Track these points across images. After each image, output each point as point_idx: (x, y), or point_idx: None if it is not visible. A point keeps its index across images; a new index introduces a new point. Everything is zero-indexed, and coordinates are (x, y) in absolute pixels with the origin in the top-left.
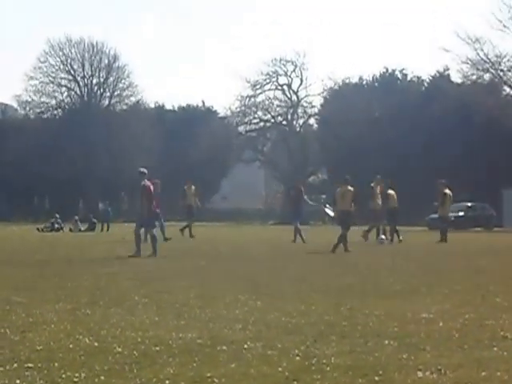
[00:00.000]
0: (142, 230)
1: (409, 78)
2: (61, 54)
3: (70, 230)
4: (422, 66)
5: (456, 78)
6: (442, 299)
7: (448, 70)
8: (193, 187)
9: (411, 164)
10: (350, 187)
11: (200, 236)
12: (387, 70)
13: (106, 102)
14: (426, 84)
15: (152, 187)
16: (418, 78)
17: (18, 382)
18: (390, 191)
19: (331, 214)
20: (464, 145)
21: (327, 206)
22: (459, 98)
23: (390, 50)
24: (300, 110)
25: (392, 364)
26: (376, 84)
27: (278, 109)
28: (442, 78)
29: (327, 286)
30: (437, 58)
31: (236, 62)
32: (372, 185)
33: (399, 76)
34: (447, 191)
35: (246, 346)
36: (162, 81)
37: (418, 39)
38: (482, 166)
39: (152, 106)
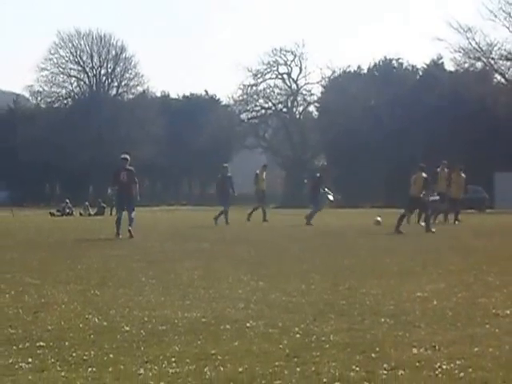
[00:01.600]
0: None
1: (404, 67)
2: (70, 45)
3: (80, 214)
4: (416, 55)
5: (449, 66)
6: (437, 279)
7: (442, 58)
8: (264, 172)
9: (407, 149)
10: (423, 174)
11: (203, 220)
12: (385, 58)
13: (114, 92)
14: (420, 72)
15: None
16: (413, 66)
17: (30, 360)
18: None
19: (331, 198)
20: (457, 130)
21: (326, 190)
22: (452, 85)
23: (386, 40)
24: (299, 98)
25: (388, 341)
26: (373, 73)
27: (278, 97)
28: (437, 66)
29: (326, 267)
30: (431, 47)
31: (238, 52)
32: (438, 169)
33: (395, 65)
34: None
35: (248, 325)
36: (167, 71)
37: (412, 29)
38: (475, 150)
39: (158, 95)
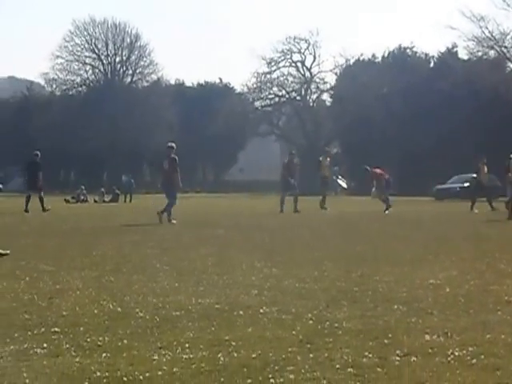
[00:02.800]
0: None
1: (418, 55)
2: (85, 33)
3: (95, 201)
4: (430, 44)
5: (463, 54)
6: (449, 266)
7: (456, 47)
8: (328, 159)
9: (419, 138)
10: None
11: (217, 207)
12: (399, 47)
13: (129, 80)
14: (434, 60)
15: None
16: (426, 54)
17: (45, 345)
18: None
19: (344, 185)
20: (470, 118)
21: (339, 177)
22: (466, 73)
23: (399, 29)
24: (313, 86)
25: (401, 328)
26: (386, 61)
27: (292, 85)
28: (451, 54)
29: (339, 254)
30: (444, 35)
31: (252, 40)
32: (479, 165)
33: (409, 53)
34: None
35: (261, 311)
36: (181, 59)
37: (426, 17)
38: (488, 138)
39: (172, 82)
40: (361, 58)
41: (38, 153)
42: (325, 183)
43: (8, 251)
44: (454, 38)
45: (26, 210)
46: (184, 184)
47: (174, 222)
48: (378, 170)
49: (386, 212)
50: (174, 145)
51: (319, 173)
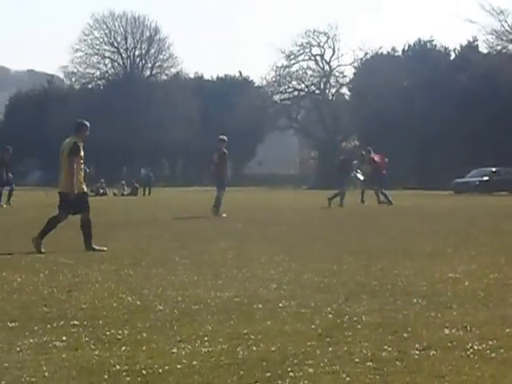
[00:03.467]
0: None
1: (437, 49)
2: (104, 27)
3: (114, 194)
4: (449, 37)
5: (483, 48)
6: (469, 260)
7: (477, 40)
8: (371, 153)
9: (438, 131)
10: None
11: (236, 201)
12: (419, 40)
13: (148, 73)
14: (455, 54)
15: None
16: (446, 48)
17: (64, 338)
18: None
19: (362, 178)
20: (489, 112)
21: (358, 171)
22: (485, 67)
23: (419, 22)
24: (332, 80)
25: (420, 321)
26: (406, 54)
27: (311, 78)
28: (471, 48)
29: (358, 248)
30: (464, 29)
31: (271, 33)
32: None
33: (428, 47)
34: None
35: (280, 305)
36: (201, 52)
37: (445, 11)
38: (507, 131)
39: (191, 76)
40: (380, 52)
41: (9, 148)
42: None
43: (105, 248)
44: (474, 32)
45: None
46: (203, 178)
47: (224, 215)
48: (376, 158)
49: (365, 203)
50: (225, 138)
51: (363, 166)
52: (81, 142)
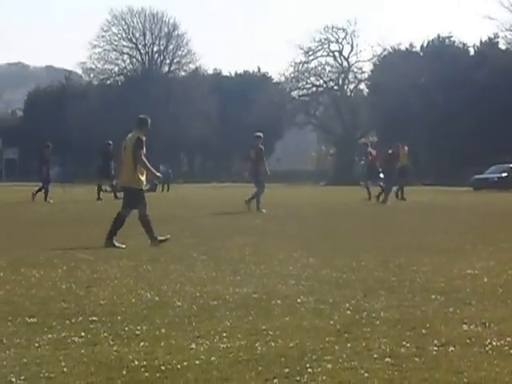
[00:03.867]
0: None
1: (456, 45)
2: (123, 23)
3: None
4: (468, 34)
5: (502, 44)
6: (487, 256)
7: (498, 37)
8: (406, 148)
9: (457, 128)
10: None
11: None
12: (438, 36)
13: (166, 69)
14: (475, 49)
15: None
16: (464, 44)
17: (83, 334)
18: None
19: (381, 175)
20: (508, 109)
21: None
22: (505, 63)
23: (438, 18)
24: (351, 76)
25: (438, 318)
26: (425, 50)
27: (329, 74)
28: (491, 45)
29: (376, 244)
30: (483, 25)
31: (290, 29)
32: None
33: (447, 43)
34: None
35: (299, 301)
36: (219, 48)
37: (464, 7)
38: None
39: (210, 72)
40: (398, 48)
41: (111, 142)
42: (402, 173)
43: (168, 236)
44: (493, 29)
45: (99, 198)
46: (221, 174)
47: (264, 210)
48: (373, 152)
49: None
50: (261, 134)
51: (395, 162)
52: (143, 137)
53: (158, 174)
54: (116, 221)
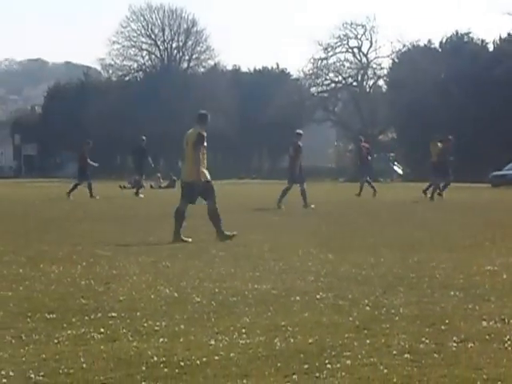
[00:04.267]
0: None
1: (475, 42)
2: (142, 19)
3: (151, 186)
4: (487, 30)
5: None
6: (506, 253)
7: None
8: (438, 144)
9: (475, 124)
10: None
11: (273, 193)
12: (456, 33)
13: (185, 65)
14: (494, 46)
15: None
16: (483, 41)
17: (102, 330)
18: None
19: (399, 171)
20: None
21: (396, 163)
22: None
23: (457, 14)
24: (370, 72)
25: (458, 314)
26: (444, 47)
27: (348, 70)
28: (510, 41)
29: (396, 240)
30: (502, 22)
31: (309, 26)
32: None
33: (465, 39)
34: None
35: (318, 297)
36: (238, 45)
37: (483, 3)
38: None
39: (229, 68)
40: (417, 44)
41: (144, 138)
42: (436, 170)
43: (235, 232)
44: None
45: (137, 193)
46: (240, 170)
47: (313, 206)
48: (366, 145)
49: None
50: (301, 131)
51: (432, 159)
52: (204, 132)
53: (202, 180)
54: (176, 217)
